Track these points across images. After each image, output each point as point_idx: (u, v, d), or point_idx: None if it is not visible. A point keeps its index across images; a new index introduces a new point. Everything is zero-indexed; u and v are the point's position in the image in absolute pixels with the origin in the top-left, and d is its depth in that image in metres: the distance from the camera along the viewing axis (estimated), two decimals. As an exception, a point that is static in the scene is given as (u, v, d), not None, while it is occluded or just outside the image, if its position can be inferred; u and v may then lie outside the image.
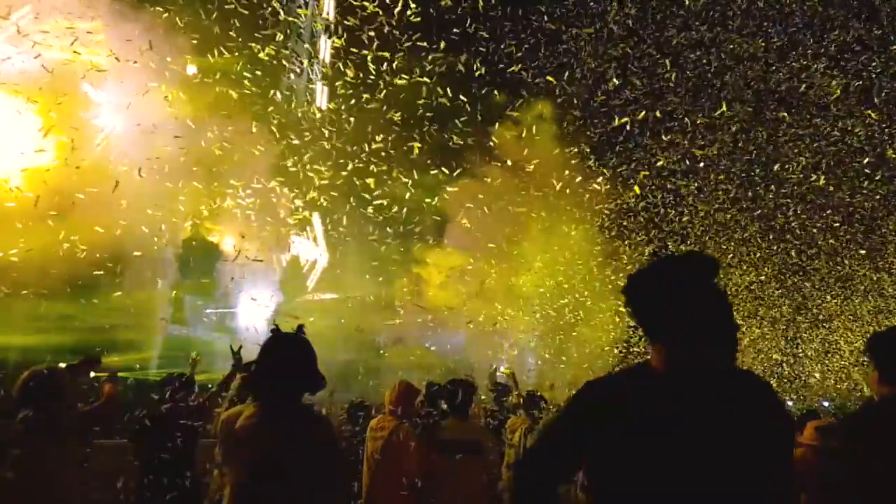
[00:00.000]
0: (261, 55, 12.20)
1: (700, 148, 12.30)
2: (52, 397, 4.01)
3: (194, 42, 12.43)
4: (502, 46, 12.12)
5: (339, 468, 2.95)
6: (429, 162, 13.63)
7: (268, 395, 2.79)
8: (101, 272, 11.38)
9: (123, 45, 11.21)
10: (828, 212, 13.14)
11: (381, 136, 12.50)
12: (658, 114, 11.59)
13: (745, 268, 14.49)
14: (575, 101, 13.42)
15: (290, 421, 2.74)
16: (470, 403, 4.95)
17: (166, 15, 11.85)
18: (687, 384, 1.80)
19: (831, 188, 12.35)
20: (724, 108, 10.93)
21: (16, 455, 3.88)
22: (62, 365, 4.62)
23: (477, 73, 11.79)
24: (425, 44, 11.47)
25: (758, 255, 14.36)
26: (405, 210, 14.14)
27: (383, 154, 12.63)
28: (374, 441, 4.81)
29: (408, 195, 13.86)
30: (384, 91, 11.66)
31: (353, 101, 12.45)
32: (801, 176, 12.09)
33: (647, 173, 12.69)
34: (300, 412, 2.82)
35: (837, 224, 13.12)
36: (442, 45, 11.36)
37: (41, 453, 3.89)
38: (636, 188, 12.54)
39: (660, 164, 12.15)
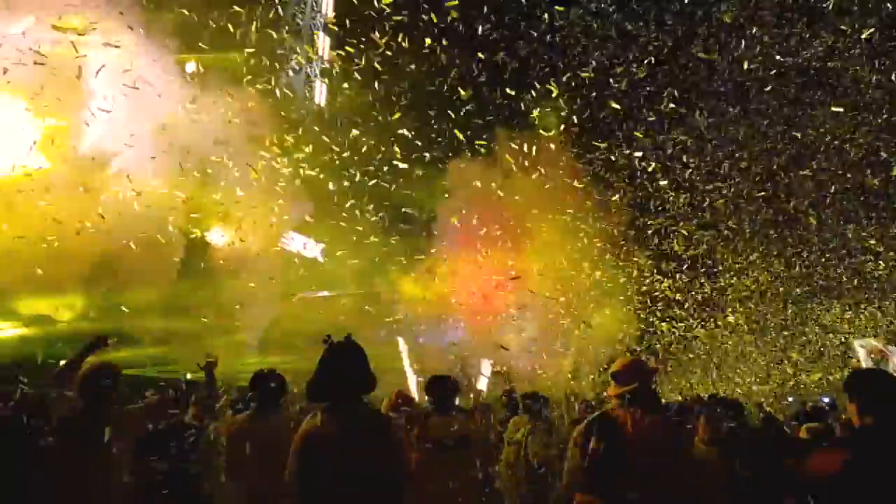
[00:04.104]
0: (255, 52, 12.19)
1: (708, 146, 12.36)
2: (98, 396, 4.06)
3: (193, 39, 12.42)
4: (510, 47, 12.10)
5: (401, 465, 3.13)
6: (428, 156, 13.62)
7: (332, 400, 3.01)
8: (97, 267, 11.35)
9: (122, 40, 11.16)
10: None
11: (381, 130, 12.51)
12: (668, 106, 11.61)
13: (750, 270, 14.61)
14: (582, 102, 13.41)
15: (357, 422, 2.96)
16: (452, 399, 4.96)
17: (167, 11, 11.81)
18: None
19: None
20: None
21: (49, 451, 3.91)
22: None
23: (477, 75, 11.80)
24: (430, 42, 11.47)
25: (762, 257, 14.47)
26: (403, 206, 14.14)
27: (382, 148, 12.65)
28: None
29: (403, 188, 13.88)
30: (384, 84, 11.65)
31: (353, 94, 12.42)
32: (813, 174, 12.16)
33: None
34: (365, 413, 3.06)
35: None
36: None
37: (75, 453, 3.88)
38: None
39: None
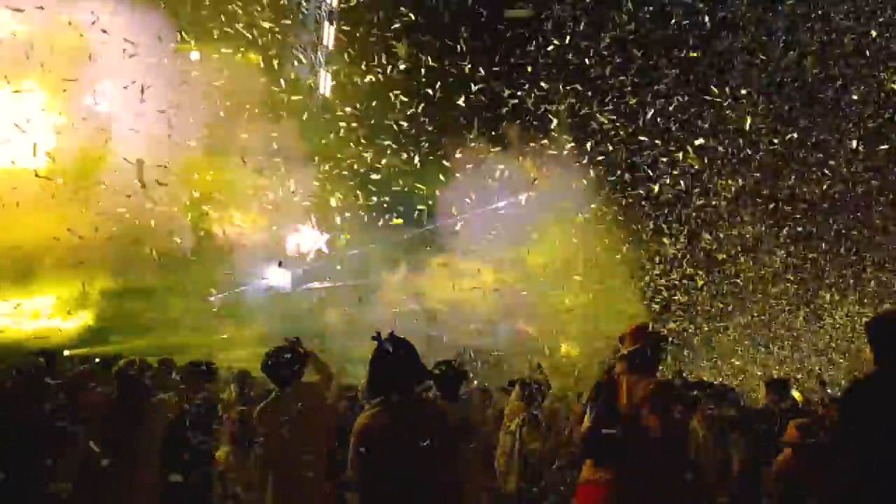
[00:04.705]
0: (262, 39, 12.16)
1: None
2: (133, 390, 4.16)
3: (197, 29, 12.40)
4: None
5: (456, 456, 3.32)
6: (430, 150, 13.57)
7: (389, 394, 3.13)
8: (101, 259, 11.40)
9: (127, 31, 11.16)
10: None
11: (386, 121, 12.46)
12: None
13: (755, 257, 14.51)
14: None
15: (411, 415, 3.09)
16: (457, 384, 4.96)
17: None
18: None
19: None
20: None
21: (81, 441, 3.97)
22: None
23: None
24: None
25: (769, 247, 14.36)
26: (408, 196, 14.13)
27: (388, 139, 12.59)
28: None
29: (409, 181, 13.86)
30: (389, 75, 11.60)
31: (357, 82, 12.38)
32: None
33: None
34: (419, 406, 3.22)
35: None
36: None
37: (107, 444, 3.92)
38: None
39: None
